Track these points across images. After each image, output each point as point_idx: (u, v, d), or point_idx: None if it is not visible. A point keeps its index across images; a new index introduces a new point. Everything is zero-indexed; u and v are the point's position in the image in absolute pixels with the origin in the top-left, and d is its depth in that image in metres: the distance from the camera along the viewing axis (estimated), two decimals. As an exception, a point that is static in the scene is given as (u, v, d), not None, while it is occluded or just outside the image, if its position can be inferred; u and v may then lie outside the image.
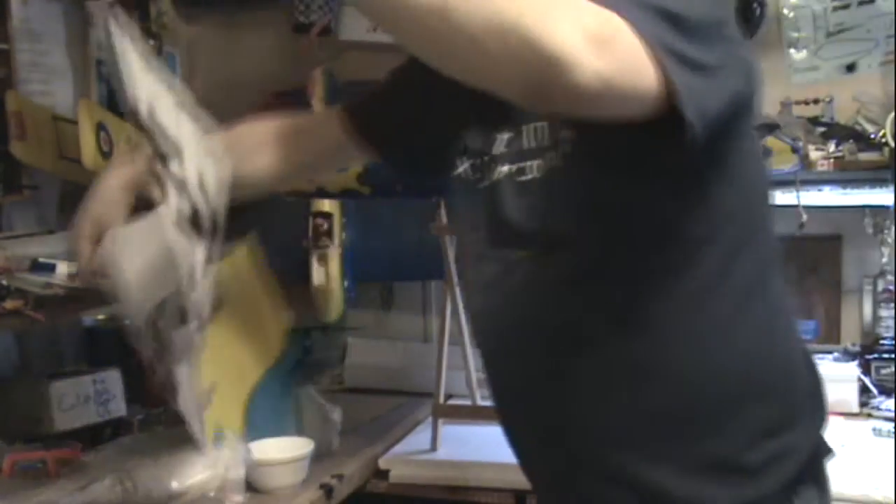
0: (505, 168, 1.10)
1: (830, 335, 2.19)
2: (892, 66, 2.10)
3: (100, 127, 1.82)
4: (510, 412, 1.18)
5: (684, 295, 1.01)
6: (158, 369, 1.28)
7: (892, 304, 2.08)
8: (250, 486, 1.49)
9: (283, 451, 1.56)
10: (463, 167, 1.17)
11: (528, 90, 0.81)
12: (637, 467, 1.04)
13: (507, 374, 1.16)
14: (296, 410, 1.72)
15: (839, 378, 1.96)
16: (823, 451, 1.12)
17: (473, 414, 1.85)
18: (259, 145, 1.34)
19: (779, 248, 1.12)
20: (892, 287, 2.09)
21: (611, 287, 1.02)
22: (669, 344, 1.02)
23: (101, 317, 2.17)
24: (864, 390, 1.98)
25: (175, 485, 1.36)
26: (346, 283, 2.37)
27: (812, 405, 1.13)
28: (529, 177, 1.07)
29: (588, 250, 1.03)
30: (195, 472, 1.39)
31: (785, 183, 2.04)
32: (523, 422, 1.15)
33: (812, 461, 1.09)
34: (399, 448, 1.84)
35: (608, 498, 1.07)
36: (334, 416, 1.74)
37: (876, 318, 2.13)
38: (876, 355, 2.03)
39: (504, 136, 1.11)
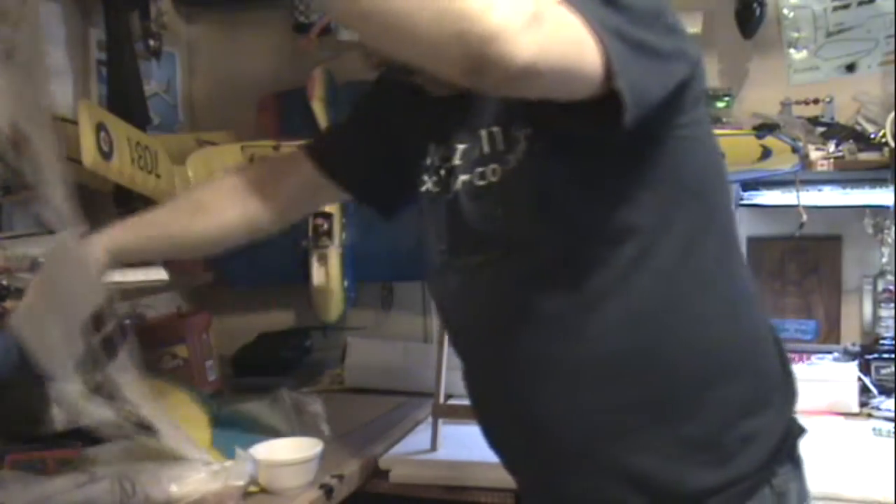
0: (465, 177, 1.13)
1: (830, 335, 2.19)
2: (892, 66, 2.10)
3: (100, 127, 1.81)
4: (492, 415, 1.20)
5: (644, 284, 1.03)
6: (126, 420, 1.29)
7: (892, 304, 2.08)
8: (250, 492, 1.49)
9: (292, 452, 1.55)
10: (428, 183, 1.20)
11: (467, 66, 0.83)
12: (619, 457, 1.07)
13: (484, 378, 1.19)
14: (261, 421, 1.72)
15: (839, 378, 1.96)
16: (796, 430, 1.15)
17: (473, 414, 1.84)
18: (229, 198, 1.35)
19: (737, 236, 1.15)
20: (892, 287, 2.09)
21: (570, 282, 1.05)
22: (635, 332, 1.04)
23: (101, 317, 2.17)
24: (864, 390, 1.98)
25: (174, 489, 1.36)
26: (346, 283, 2.37)
27: (783, 386, 1.15)
28: (487, 181, 1.10)
29: (546, 248, 1.06)
30: (195, 477, 1.39)
31: (785, 183, 2.05)
32: (506, 423, 1.17)
33: (786, 440, 1.12)
34: (399, 448, 1.83)
35: (594, 490, 1.09)
36: (314, 409, 1.74)
37: (876, 318, 2.12)
38: (876, 355, 2.03)
39: (461, 147, 1.14)
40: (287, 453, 1.54)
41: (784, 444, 1.11)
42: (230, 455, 1.52)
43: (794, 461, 1.14)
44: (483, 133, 1.10)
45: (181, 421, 1.61)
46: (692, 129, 1.06)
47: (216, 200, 1.35)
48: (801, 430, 1.15)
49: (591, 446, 1.08)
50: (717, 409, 1.06)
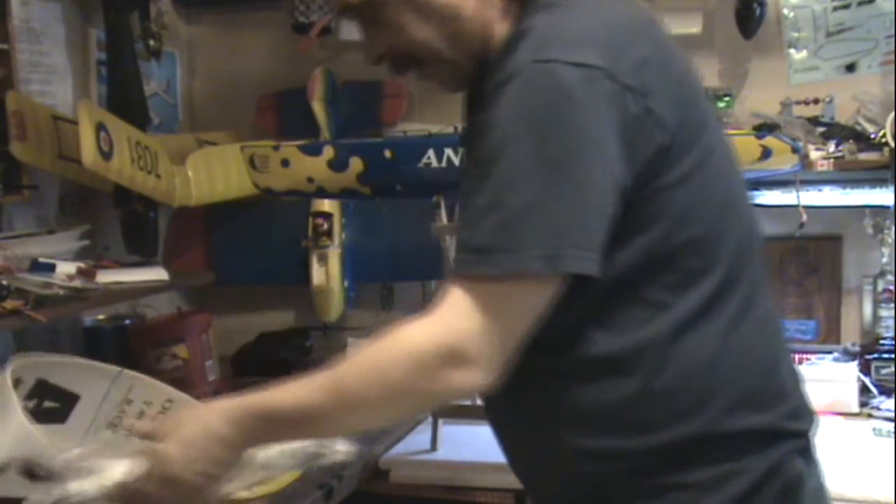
0: None
1: (830, 335, 2.19)
2: (892, 66, 2.10)
3: (100, 127, 1.82)
4: (491, 420, 1.19)
5: (611, 356, 1.02)
6: None
7: (892, 304, 2.08)
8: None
9: None
10: None
11: None
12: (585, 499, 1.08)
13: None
14: None
15: (839, 378, 1.96)
16: (788, 470, 1.06)
17: (473, 414, 1.84)
18: None
19: (743, 285, 1.06)
20: (892, 287, 2.09)
21: (548, 345, 1.03)
22: (595, 390, 1.03)
23: (101, 317, 2.17)
24: (864, 390, 1.98)
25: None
26: (346, 283, 2.37)
27: (775, 438, 1.06)
28: None
29: None
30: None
31: (785, 183, 2.05)
32: (499, 433, 1.18)
33: (772, 480, 1.05)
34: (399, 448, 1.83)
35: None
36: None
37: (876, 318, 2.12)
38: (876, 355, 2.03)
39: None
40: None
41: (769, 483, 1.05)
42: None
43: (790, 499, 1.06)
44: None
45: None
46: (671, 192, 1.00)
47: None
48: (796, 475, 1.07)
49: (558, 486, 1.11)
50: (679, 464, 1.03)
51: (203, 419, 1.04)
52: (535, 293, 0.96)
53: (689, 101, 1.04)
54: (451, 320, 0.96)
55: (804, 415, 1.11)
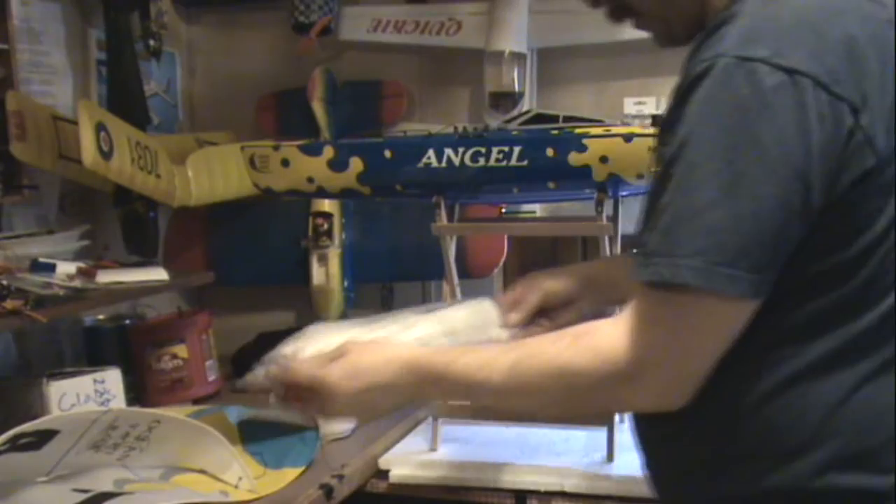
0: None
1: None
2: (892, 66, 2.10)
3: (100, 127, 1.82)
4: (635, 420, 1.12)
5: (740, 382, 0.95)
6: None
7: (892, 304, 2.08)
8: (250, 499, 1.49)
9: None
10: None
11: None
12: None
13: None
14: (283, 420, 1.72)
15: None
16: None
17: (473, 414, 1.84)
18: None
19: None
20: (892, 287, 2.08)
21: None
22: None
23: (101, 317, 2.17)
24: (864, 390, 1.97)
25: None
26: (346, 283, 2.37)
27: (884, 499, 0.94)
28: None
29: None
30: None
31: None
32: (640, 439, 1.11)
33: None
34: (399, 448, 1.83)
35: None
36: None
37: (876, 318, 2.12)
38: (876, 355, 2.03)
39: None
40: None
41: None
42: (265, 462, 1.56)
43: None
44: None
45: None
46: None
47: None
48: None
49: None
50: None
51: (383, 361, 1.08)
52: (713, 310, 0.89)
53: None
54: (635, 333, 0.92)
55: None
